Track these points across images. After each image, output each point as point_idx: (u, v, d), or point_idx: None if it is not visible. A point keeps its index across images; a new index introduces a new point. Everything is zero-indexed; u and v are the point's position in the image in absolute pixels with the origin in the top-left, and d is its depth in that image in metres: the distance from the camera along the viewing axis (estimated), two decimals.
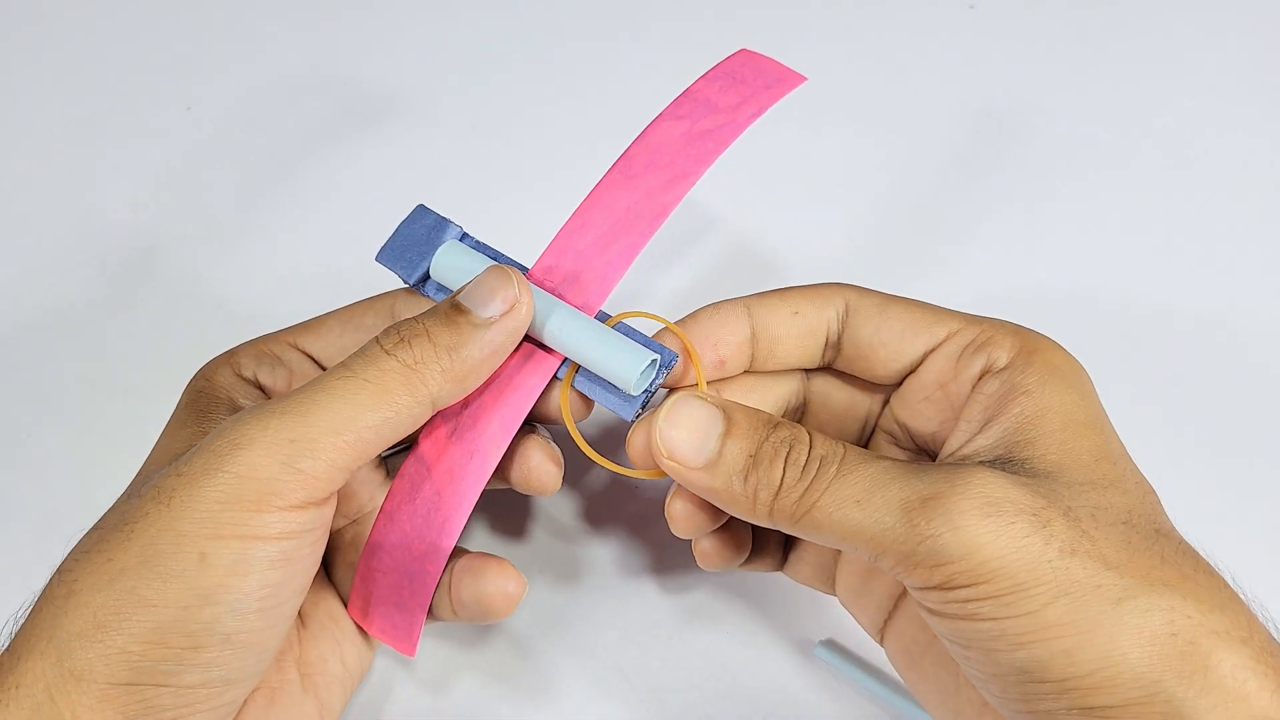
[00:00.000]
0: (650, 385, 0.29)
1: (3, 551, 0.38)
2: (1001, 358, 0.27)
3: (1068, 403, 0.26)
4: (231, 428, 0.25)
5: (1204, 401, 0.40)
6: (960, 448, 0.27)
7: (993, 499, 0.23)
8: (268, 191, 0.45)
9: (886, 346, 0.29)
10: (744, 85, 0.31)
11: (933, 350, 0.29)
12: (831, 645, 0.35)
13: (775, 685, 0.35)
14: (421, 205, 0.31)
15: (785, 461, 0.25)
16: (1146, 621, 0.22)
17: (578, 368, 0.29)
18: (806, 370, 0.31)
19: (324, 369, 0.31)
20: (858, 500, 0.24)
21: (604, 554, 0.37)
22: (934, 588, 0.24)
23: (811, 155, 0.45)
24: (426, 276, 0.31)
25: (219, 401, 0.29)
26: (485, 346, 0.27)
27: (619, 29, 0.49)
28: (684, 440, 0.26)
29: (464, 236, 0.31)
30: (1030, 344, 0.27)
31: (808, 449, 0.25)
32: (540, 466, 0.30)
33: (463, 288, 0.28)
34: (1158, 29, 0.48)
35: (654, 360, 0.28)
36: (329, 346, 0.31)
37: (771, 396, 0.31)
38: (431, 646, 0.36)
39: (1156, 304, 0.41)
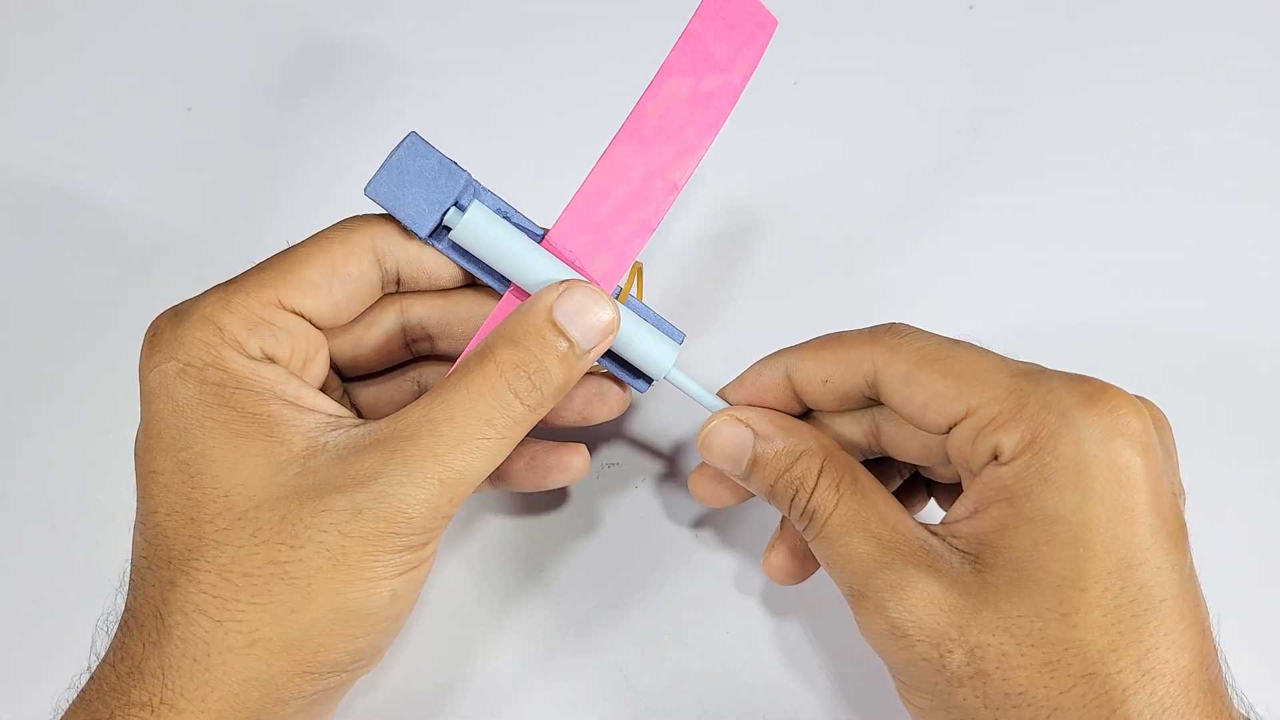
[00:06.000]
0: None
1: (3, 550, 0.38)
2: (1007, 448, 0.26)
3: (1054, 513, 0.25)
4: (396, 492, 0.26)
5: (1209, 407, 0.40)
6: (954, 522, 0.27)
7: (903, 619, 0.26)
8: (271, 190, 0.45)
9: (912, 418, 0.29)
10: (733, 31, 0.31)
11: (954, 425, 0.28)
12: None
13: (775, 685, 0.35)
14: (415, 134, 0.29)
15: (790, 504, 0.29)
16: None
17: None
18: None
19: (317, 327, 0.30)
20: (828, 559, 0.29)
21: (604, 554, 0.37)
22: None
23: (808, 153, 0.45)
24: (437, 227, 0.30)
25: (261, 395, 0.28)
26: (579, 374, 0.29)
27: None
28: (720, 461, 0.31)
29: (469, 182, 0.30)
30: (1045, 430, 0.25)
31: (808, 497, 0.29)
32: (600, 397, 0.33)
33: (560, 299, 0.28)
34: (1158, 30, 0.48)
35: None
36: (319, 304, 0.30)
37: (843, 428, 0.32)
38: (441, 637, 0.36)
39: (1154, 304, 0.42)
